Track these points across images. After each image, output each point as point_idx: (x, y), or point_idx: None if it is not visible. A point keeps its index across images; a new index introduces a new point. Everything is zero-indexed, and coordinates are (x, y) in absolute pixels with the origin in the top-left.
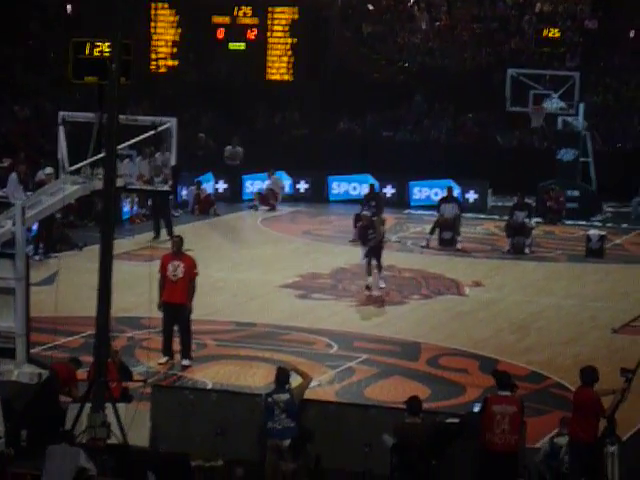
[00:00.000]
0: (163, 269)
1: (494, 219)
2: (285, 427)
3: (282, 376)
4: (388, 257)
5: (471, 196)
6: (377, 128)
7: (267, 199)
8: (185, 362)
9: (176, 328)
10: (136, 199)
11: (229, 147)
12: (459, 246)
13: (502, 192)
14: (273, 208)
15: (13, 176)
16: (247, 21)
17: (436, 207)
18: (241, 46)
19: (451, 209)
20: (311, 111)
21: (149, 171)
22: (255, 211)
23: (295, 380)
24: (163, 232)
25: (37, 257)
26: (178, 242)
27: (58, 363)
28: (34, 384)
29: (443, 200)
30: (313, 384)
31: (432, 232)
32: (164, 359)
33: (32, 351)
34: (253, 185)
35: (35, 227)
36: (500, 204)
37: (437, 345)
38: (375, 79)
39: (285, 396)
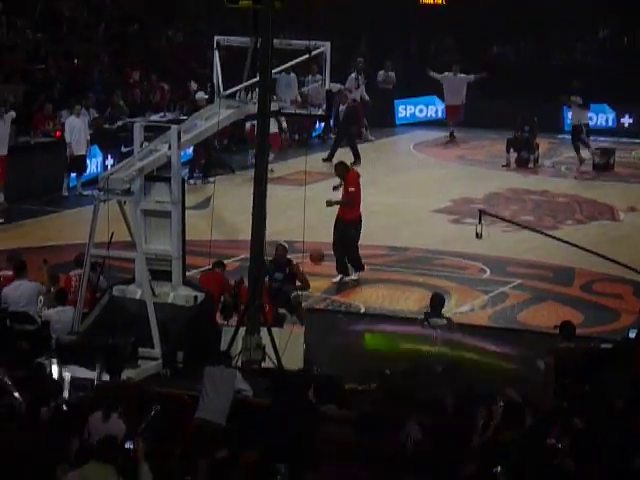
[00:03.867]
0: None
1: None
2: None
3: (438, 301)
4: (542, 182)
5: (626, 120)
6: (530, 52)
7: None
8: (355, 275)
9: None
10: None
11: (382, 72)
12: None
13: None
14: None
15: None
16: None
17: None
18: None
19: None
20: (464, 36)
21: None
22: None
23: None
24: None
25: (192, 181)
26: (338, 166)
27: (204, 275)
28: (190, 306)
29: None
30: (466, 308)
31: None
32: (337, 278)
33: (188, 274)
34: (406, 110)
35: (190, 151)
36: None
37: (591, 270)
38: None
39: (442, 321)
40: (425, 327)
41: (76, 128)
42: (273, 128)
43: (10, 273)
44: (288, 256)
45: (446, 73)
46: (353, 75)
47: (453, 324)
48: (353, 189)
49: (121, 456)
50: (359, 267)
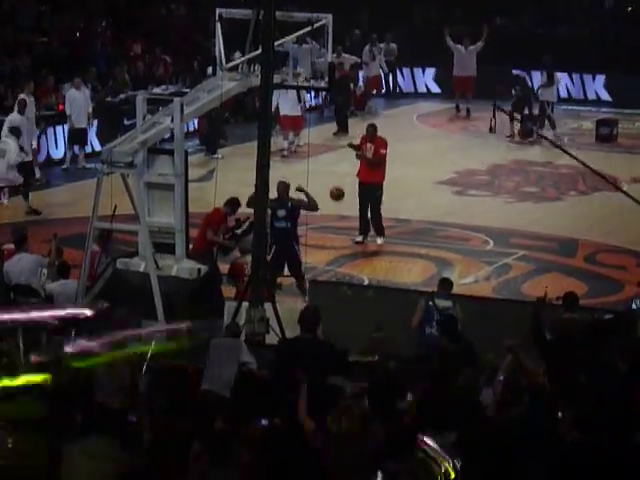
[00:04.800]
0: (361, 145)
1: None
2: None
3: (446, 284)
4: (545, 154)
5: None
6: (534, 24)
7: None
8: (379, 240)
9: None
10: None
11: (382, 44)
12: None
13: None
14: None
15: None
16: None
17: None
18: None
19: None
20: (467, 6)
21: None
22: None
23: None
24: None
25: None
26: (370, 128)
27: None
28: (193, 279)
29: None
30: (470, 280)
31: None
32: (359, 238)
33: (191, 246)
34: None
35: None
36: None
37: (594, 241)
38: None
39: (447, 303)
40: (430, 307)
41: (76, 100)
42: (295, 111)
43: (13, 246)
44: None
45: (458, 46)
46: (367, 48)
47: (459, 307)
48: (384, 152)
49: (124, 428)
50: (382, 232)
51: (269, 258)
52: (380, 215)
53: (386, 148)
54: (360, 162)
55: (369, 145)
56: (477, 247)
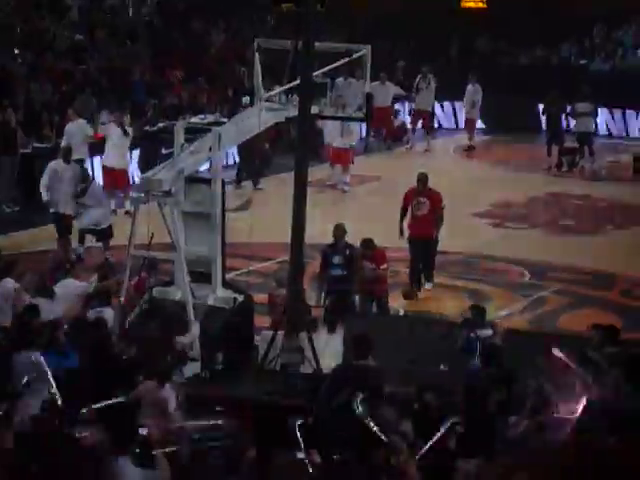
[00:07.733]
0: (406, 201)
1: None
2: None
3: (480, 311)
4: (583, 186)
5: None
6: (571, 57)
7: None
8: (428, 286)
9: None
10: None
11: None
12: None
13: None
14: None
15: None
16: None
17: None
18: None
19: None
20: (506, 39)
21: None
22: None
23: None
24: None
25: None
26: (423, 179)
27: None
28: (229, 308)
29: None
30: (505, 313)
31: None
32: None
33: (227, 276)
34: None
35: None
36: None
37: (632, 275)
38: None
39: (488, 332)
40: (471, 338)
41: (74, 134)
42: (340, 142)
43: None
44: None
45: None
46: (417, 79)
47: (501, 332)
48: (444, 204)
49: (136, 444)
50: (432, 278)
51: (324, 307)
52: (434, 261)
53: (442, 201)
54: (413, 218)
55: (422, 199)
56: (513, 280)
